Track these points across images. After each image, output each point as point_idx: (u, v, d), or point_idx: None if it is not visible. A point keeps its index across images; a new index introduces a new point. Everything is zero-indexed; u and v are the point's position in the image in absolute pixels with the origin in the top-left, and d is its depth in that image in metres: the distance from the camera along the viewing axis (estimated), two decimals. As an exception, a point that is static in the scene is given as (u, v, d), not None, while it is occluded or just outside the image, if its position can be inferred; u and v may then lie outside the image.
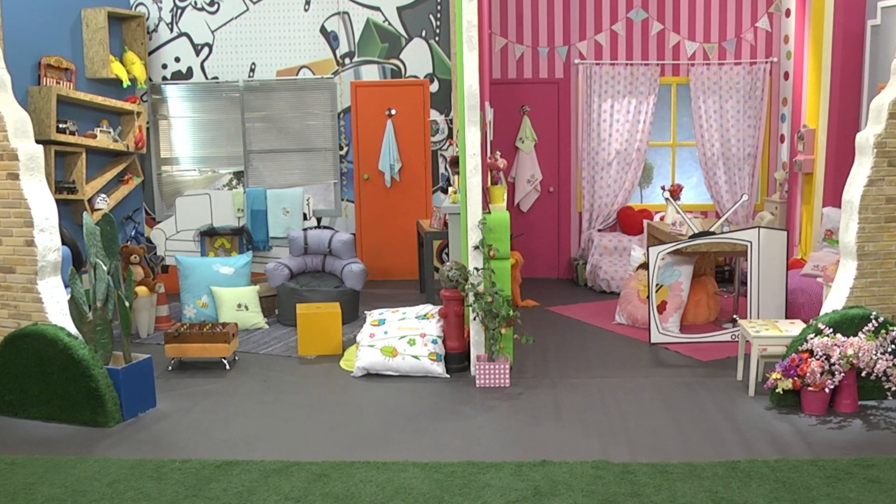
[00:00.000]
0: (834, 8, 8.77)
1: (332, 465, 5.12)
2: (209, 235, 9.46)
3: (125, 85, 9.76)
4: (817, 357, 5.83)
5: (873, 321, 5.89)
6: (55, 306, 6.05)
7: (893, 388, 5.85)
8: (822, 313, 6.16)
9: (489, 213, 7.04)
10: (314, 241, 9.11)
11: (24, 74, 8.77)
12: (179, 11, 10.39)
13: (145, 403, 6.22)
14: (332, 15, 10.43)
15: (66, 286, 6.28)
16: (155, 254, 9.97)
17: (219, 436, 5.71)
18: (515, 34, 10.59)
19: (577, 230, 10.94)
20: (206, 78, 10.52)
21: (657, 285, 8.00)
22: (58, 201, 8.54)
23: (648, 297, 7.58)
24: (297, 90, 10.58)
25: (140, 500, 4.71)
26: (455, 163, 8.60)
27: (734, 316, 8.11)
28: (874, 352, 5.76)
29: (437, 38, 10.44)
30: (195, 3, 10.38)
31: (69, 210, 9.30)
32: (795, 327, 6.39)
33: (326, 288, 8.78)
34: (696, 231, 7.90)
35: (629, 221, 10.58)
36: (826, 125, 9.00)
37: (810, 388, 5.82)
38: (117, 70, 9.63)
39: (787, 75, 10.26)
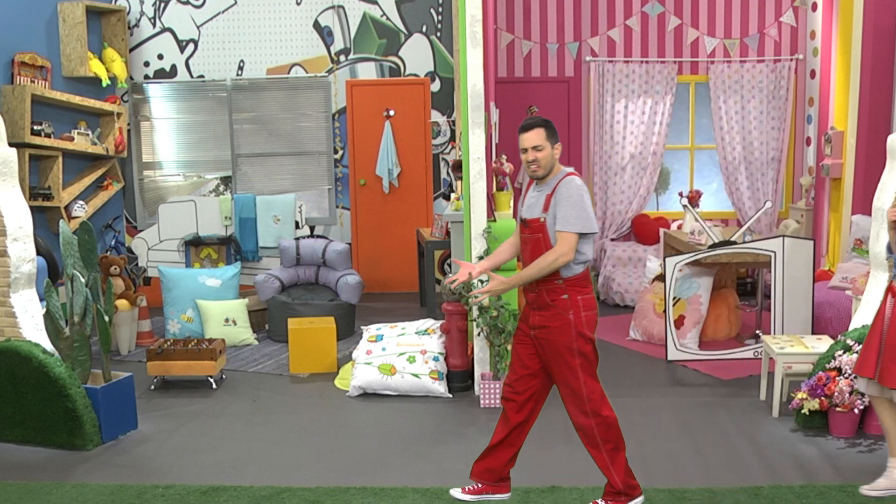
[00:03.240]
0: (864, 2, 8.81)
1: (326, 491, 5.15)
2: (194, 245, 9.49)
3: (104, 84, 9.81)
4: (846, 375, 5.84)
5: (906, 337, 5.90)
6: (29, 321, 6.08)
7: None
8: (851, 328, 6.18)
9: (494, 220, 7.07)
10: (307, 251, 9.14)
11: (-3, 73, 8.84)
12: (163, 5, 10.46)
13: (126, 425, 6.24)
14: (327, 9, 10.48)
15: (41, 299, 6.31)
16: (136, 265, 10.01)
17: (205, 460, 5.73)
18: (522, 30, 10.64)
19: (588, 239, 10.95)
20: (192, 76, 10.57)
21: (674, 298, 8.02)
22: (32, 208, 8.56)
23: (665, 311, 7.60)
24: (288, 89, 10.63)
25: (121, 529, 4.73)
26: (458, 167, 8.64)
27: (757, 331, 8.13)
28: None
29: (438, 34, 10.49)
30: (180, -4, 10.47)
31: (45, 218, 9.34)
32: (822, 343, 6.40)
33: (320, 301, 8.81)
34: (716, 241, 7.93)
35: (644, 230, 10.61)
36: (855, 127, 9.03)
37: (838, 409, 5.83)
38: (96, 68, 9.68)
39: (813, 74, 10.30)
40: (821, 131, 10.02)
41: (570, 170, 4.68)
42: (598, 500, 4.74)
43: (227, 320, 8.51)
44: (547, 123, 4.62)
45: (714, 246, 7.80)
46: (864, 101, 8.90)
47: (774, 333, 7.45)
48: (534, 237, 4.61)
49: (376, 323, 7.87)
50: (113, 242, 10.19)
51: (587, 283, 4.60)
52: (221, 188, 10.81)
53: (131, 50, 10.44)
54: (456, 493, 4.85)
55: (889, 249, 4.95)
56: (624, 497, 4.66)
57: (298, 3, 10.46)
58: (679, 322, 8.09)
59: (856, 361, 4.94)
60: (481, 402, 6.68)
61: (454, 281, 4.72)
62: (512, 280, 4.61)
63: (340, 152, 10.70)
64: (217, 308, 8.52)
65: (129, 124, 10.46)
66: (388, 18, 10.48)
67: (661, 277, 8.47)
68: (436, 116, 10.60)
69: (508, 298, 6.80)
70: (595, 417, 4.57)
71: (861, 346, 5.86)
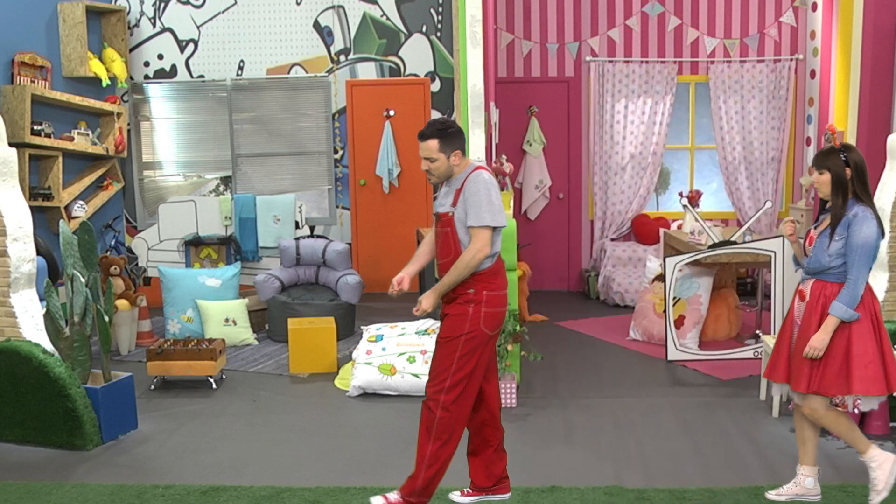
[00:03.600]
0: (864, 2, 8.81)
1: (326, 491, 5.15)
2: (194, 245, 9.49)
3: (104, 84, 9.81)
4: (846, 375, 5.84)
5: (906, 337, 5.90)
6: (30, 321, 6.08)
7: (928, 409, 5.86)
8: (851, 328, 6.17)
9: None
10: (307, 251, 9.14)
11: (-3, 73, 8.85)
12: (163, 5, 10.46)
13: (126, 425, 6.24)
14: (327, 9, 10.49)
15: (41, 299, 6.32)
16: (136, 265, 10.01)
17: (205, 460, 5.73)
18: (522, 30, 10.64)
19: (588, 239, 10.98)
20: (192, 76, 10.57)
21: (674, 298, 8.02)
22: (32, 208, 8.56)
23: (665, 311, 7.60)
24: (288, 89, 10.63)
25: (121, 529, 4.73)
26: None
27: (757, 331, 8.13)
28: (907, 370, 5.77)
29: (438, 34, 10.49)
30: (180, -4, 10.47)
31: (45, 218, 9.34)
32: (823, 344, 6.40)
33: (320, 301, 8.81)
34: (716, 240, 7.93)
35: (644, 230, 10.61)
36: (855, 127, 9.03)
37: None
38: (96, 68, 9.68)
39: (813, 73, 10.30)
40: (821, 131, 10.03)
41: (479, 164, 4.66)
42: (390, 495, 4.71)
43: (227, 320, 8.51)
44: (442, 132, 4.53)
45: (714, 246, 7.80)
46: (864, 101, 8.91)
47: (774, 333, 7.45)
48: (443, 231, 4.61)
49: (376, 323, 7.87)
50: (113, 242, 10.19)
51: (496, 279, 4.60)
52: (221, 188, 10.82)
53: (131, 50, 10.44)
54: (455, 496, 4.85)
55: (795, 261, 4.97)
56: (416, 498, 4.64)
57: (298, 3, 10.47)
58: (679, 322, 8.09)
59: (766, 366, 4.94)
60: (481, 402, 6.68)
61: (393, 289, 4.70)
62: (438, 288, 4.58)
63: (340, 152, 10.70)
64: (217, 308, 8.52)
65: (129, 124, 10.46)
66: (388, 18, 10.48)
67: (661, 277, 8.47)
68: (436, 116, 10.60)
69: (508, 298, 6.78)
70: (443, 410, 4.52)
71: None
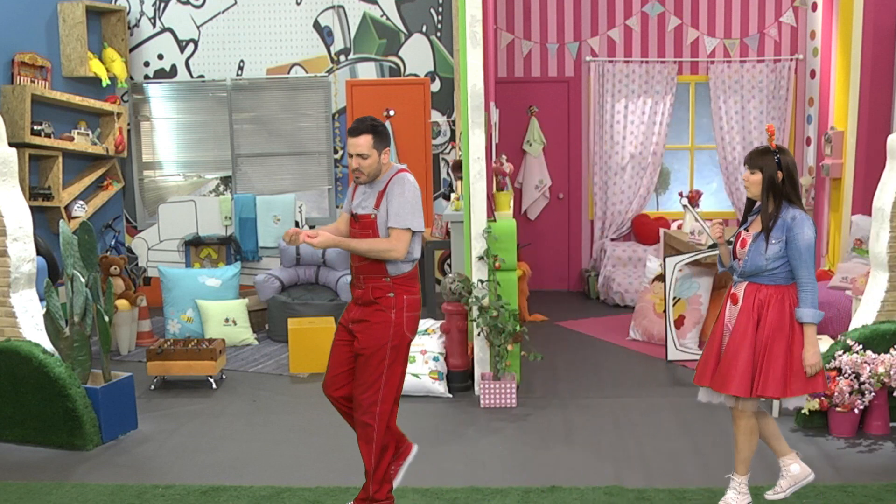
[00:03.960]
0: (864, 2, 8.81)
1: (326, 491, 5.15)
2: (194, 245, 9.49)
3: (104, 84, 9.81)
4: (846, 375, 5.85)
5: (906, 337, 5.91)
6: (30, 321, 6.08)
7: (928, 409, 5.87)
8: (850, 328, 6.18)
9: (494, 221, 7.07)
10: (307, 251, 9.14)
11: (-3, 73, 8.85)
12: (163, 5, 10.45)
13: (126, 425, 6.25)
14: (327, 9, 10.48)
15: (41, 299, 6.32)
16: (136, 265, 10.01)
17: (205, 460, 5.74)
18: (522, 30, 10.65)
19: (588, 239, 10.98)
20: (192, 76, 10.57)
21: (674, 298, 8.02)
22: (32, 208, 8.56)
23: (665, 311, 7.61)
24: (288, 89, 10.63)
25: (121, 529, 4.73)
26: (458, 167, 8.64)
27: (757, 331, 8.11)
28: (907, 370, 5.78)
29: (438, 34, 10.49)
30: (180, -4, 10.47)
31: (45, 218, 9.34)
32: (822, 344, 6.39)
33: (320, 301, 8.81)
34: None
35: (644, 230, 10.61)
36: (855, 127, 9.03)
37: (838, 409, 5.84)
38: (96, 68, 9.68)
39: (813, 74, 10.30)
40: (821, 131, 10.03)
41: (402, 166, 4.64)
42: None
43: (227, 320, 8.51)
44: (375, 129, 4.49)
45: (714, 246, 7.79)
46: (864, 101, 8.91)
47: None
48: (364, 233, 4.56)
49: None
50: (113, 242, 10.19)
51: (414, 283, 4.58)
52: (221, 188, 10.82)
53: (131, 50, 10.44)
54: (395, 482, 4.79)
55: (720, 263, 4.93)
56: None
57: (298, 3, 10.46)
58: (679, 322, 8.09)
59: (696, 371, 4.90)
60: (481, 402, 6.69)
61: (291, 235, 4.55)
62: (340, 241, 4.52)
63: (340, 152, 10.70)
64: (217, 308, 8.52)
65: (129, 124, 10.46)
66: (388, 18, 10.48)
67: (661, 277, 8.47)
68: (436, 116, 10.61)
69: (508, 298, 6.80)
70: (380, 420, 4.53)
71: (861, 347, 5.87)
